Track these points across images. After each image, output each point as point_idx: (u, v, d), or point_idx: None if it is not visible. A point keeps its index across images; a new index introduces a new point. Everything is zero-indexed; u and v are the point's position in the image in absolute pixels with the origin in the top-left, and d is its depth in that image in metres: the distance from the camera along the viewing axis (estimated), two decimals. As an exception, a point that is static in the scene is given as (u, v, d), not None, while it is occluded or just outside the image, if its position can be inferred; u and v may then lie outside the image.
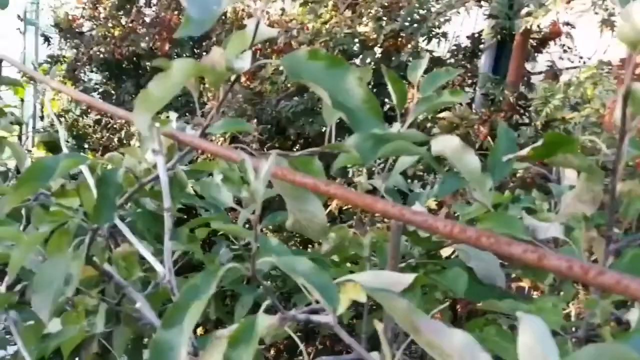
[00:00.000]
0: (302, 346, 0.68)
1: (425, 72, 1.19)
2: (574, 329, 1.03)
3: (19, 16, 3.94)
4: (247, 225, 1.16)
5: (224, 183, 0.56)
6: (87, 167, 0.96)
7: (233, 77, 0.85)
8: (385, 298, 0.62)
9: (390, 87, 1.15)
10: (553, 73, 2.63)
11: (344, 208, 2.43)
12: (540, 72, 2.91)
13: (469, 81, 2.61)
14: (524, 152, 0.94)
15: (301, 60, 0.81)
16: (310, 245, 2.16)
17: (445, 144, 1.04)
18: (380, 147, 0.95)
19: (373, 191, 1.35)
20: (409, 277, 0.77)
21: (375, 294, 0.63)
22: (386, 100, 2.57)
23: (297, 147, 2.99)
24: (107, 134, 3.41)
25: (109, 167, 1.00)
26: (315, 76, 0.80)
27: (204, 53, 3.09)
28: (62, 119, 3.62)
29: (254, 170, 0.60)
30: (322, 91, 0.77)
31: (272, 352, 2.36)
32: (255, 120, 2.31)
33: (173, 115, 1.00)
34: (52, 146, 1.51)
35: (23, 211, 1.17)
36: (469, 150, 1.03)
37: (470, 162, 1.02)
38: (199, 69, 0.79)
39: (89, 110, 3.59)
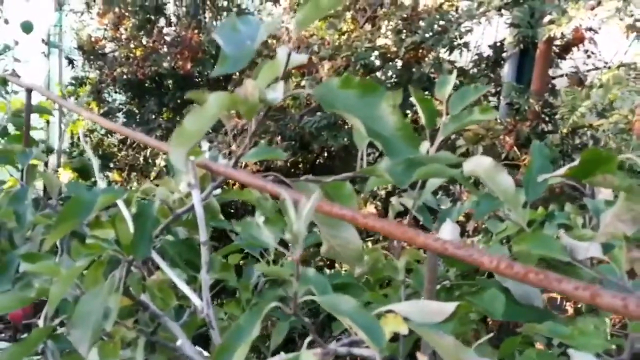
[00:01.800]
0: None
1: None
2: (614, 346, 1.01)
3: (43, 40, 4.00)
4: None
5: (265, 225, 0.56)
6: (122, 201, 0.97)
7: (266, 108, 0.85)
8: (430, 334, 0.61)
9: (417, 105, 1.14)
10: (578, 79, 2.60)
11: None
12: (562, 75, 2.88)
13: (493, 90, 2.59)
14: (561, 172, 0.92)
15: (334, 89, 0.81)
16: (338, 264, 2.15)
17: (478, 164, 1.02)
18: (414, 171, 0.95)
19: (404, 211, 1.34)
20: (450, 307, 0.76)
21: (419, 329, 0.62)
22: (408, 111, 2.57)
23: (320, 161, 2.99)
24: (133, 153, 3.44)
25: (143, 199, 1.00)
26: (348, 105, 0.80)
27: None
28: (88, 139, 3.66)
29: (295, 207, 0.59)
30: (357, 121, 0.77)
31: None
32: (279, 137, 2.31)
33: (205, 144, 1.01)
34: (82, 170, 1.52)
35: (57, 241, 1.18)
36: (502, 170, 1.02)
37: (504, 181, 1.01)
38: (233, 101, 0.79)
39: (113, 134, 3.63)
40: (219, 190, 1.22)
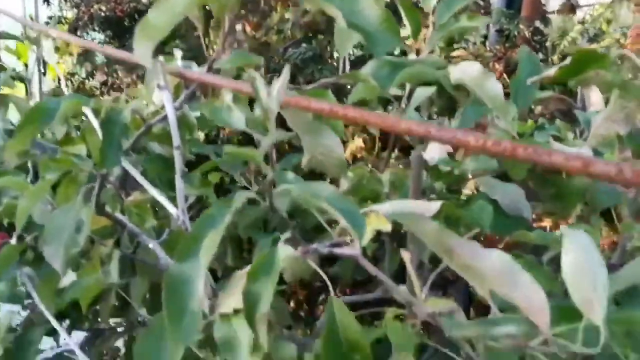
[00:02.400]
0: (329, 284, 0.64)
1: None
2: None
3: (16, -22, 3.85)
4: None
5: (235, 104, 0.52)
6: (91, 111, 0.92)
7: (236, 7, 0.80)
8: (414, 221, 0.58)
9: (403, 16, 1.08)
10: (569, 6, 2.53)
11: (359, 156, 2.38)
12: (554, 12, 2.81)
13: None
14: (551, 71, 0.88)
15: (314, -18, 0.75)
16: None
17: (465, 71, 0.98)
18: (398, 73, 0.90)
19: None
20: (435, 205, 0.73)
21: (403, 218, 0.59)
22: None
23: (307, 98, 2.92)
24: (114, 95, 3.36)
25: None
26: None
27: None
28: (69, 82, 3.57)
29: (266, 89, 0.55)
30: (338, 13, 0.71)
31: (292, 304, 2.34)
32: (262, 69, 2.24)
33: (177, 53, 0.95)
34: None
35: (30, 165, 1.14)
36: (490, 76, 0.97)
37: (492, 88, 0.96)
38: (201, -6, 0.74)
39: (95, 72, 3.53)
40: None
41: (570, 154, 0.50)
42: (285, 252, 0.59)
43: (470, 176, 1.11)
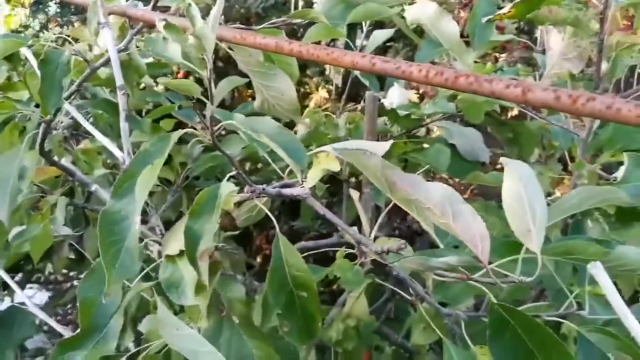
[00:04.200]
0: (276, 224, 0.63)
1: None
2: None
3: None
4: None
5: (168, 32, 0.49)
6: (31, 53, 0.88)
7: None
8: (357, 157, 0.56)
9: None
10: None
11: (323, 107, 2.36)
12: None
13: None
14: (505, 9, 0.86)
15: None
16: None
17: (421, 10, 0.96)
18: (350, 11, 0.88)
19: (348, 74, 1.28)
20: (385, 145, 0.72)
21: (346, 154, 0.58)
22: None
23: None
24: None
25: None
26: None
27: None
28: (22, 35, 3.44)
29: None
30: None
31: (258, 259, 2.34)
32: (222, 17, 2.18)
33: (122, -8, 0.91)
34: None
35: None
36: (446, 16, 0.96)
37: (448, 27, 0.95)
38: None
39: (49, 24, 3.41)
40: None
41: (510, 81, 0.49)
42: (227, 189, 0.57)
43: (428, 120, 1.11)
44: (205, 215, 0.56)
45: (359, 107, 1.20)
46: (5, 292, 1.27)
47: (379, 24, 1.21)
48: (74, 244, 1.15)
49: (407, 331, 1.21)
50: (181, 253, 0.62)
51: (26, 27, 3.39)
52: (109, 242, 0.51)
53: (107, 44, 0.75)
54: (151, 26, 0.88)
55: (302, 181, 0.58)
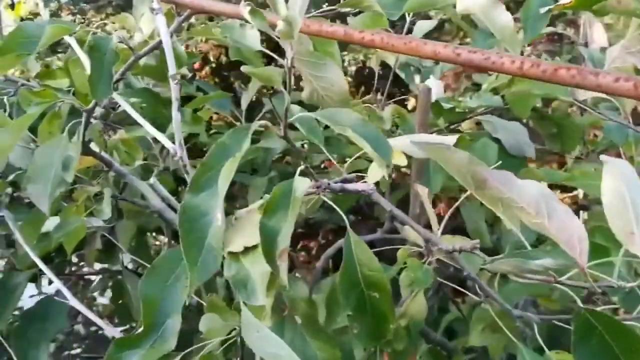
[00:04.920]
0: (346, 220, 0.61)
1: None
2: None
3: None
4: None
5: (253, 17, 0.46)
6: (75, 40, 0.85)
7: None
8: (440, 151, 0.54)
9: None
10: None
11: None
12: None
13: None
14: (566, 0, 0.84)
15: None
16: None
17: (474, 0, 0.93)
18: (404, 1, 0.85)
19: (387, 66, 1.25)
20: (451, 139, 0.69)
21: (427, 148, 0.55)
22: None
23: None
24: (84, 36, 3.21)
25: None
26: None
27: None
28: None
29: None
30: None
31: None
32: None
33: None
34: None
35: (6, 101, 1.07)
36: (500, 5, 0.93)
37: (501, 17, 0.92)
38: None
39: (60, 11, 3.37)
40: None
41: (619, 75, 0.46)
42: (302, 184, 0.55)
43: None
44: (280, 211, 0.54)
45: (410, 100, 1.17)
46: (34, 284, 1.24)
47: (422, 15, 1.18)
48: (106, 235, 1.12)
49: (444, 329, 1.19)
50: (245, 250, 0.60)
51: (36, 15, 3.35)
52: (191, 240, 0.49)
53: (160, 30, 0.72)
54: (199, 12, 0.86)
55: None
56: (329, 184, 0.64)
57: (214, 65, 2.51)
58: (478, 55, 0.53)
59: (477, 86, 1.52)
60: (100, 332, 2.42)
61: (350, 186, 0.66)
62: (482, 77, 1.20)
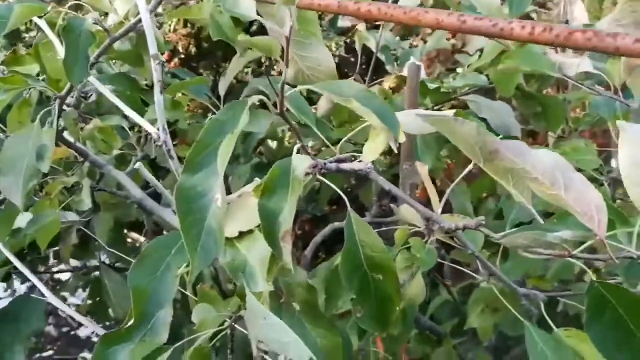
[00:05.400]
0: (345, 199, 0.58)
1: None
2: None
3: None
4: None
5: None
6: (45, 22, 0.80)
7: None
8: (448, 123, 0.51)
9: None
10: None
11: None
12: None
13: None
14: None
15: None
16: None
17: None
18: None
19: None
20: (448, 113, 0.67)
21: (434, 121, 0.52)
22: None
23: None
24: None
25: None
26: None
27: None
28: None
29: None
30: None
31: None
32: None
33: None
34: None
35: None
36: (485, -19, 0.91)
37: (488, -7, 0.90)
38: None
39: None
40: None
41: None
42: (302, 163, 0.52)
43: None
44: (279, 191, 0.51)
45: (385, 81, 1.14)
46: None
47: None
48: (82, 228, 1.07)
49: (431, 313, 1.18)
50: (241, 235, 0.57)
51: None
52: (189, 223, 0.45)
53: (139, 9, 0.68)
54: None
55: (396, 150, 0.52)
56: (325, 163, 0.61)
57: (182, 56, 2.46)
58: (485, 22, 0.51)
59: (451, 71, 1.51)
60: (72, 332, 2.36)
61: (346, 165, 0.63)
62: (463, 57, 1.18)
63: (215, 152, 0.46)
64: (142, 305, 0.57)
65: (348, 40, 2.34)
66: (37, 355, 2.27)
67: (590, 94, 0.91)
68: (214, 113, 1.08)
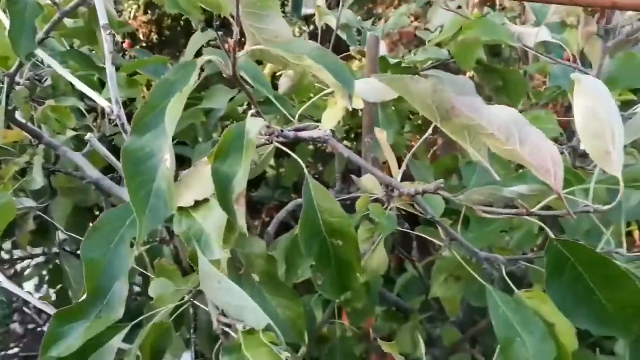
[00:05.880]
0: (300, 161, 0.57)
1: None
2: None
3: None
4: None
5: None
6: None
7: None
8: (404, 82, 0.50)
9: None
10: None
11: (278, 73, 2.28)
12: None
13: None
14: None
15: None
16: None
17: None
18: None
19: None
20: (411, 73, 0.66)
21: (390, 80, 0.51)
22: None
23: None
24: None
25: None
26: None
27: None
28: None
29: None
30: None
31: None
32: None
33: None
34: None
35: None
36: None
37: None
38: None
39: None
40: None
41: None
42: (256, 125, 0.50)
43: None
44: (233, 155, 0.49)
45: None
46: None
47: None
48: (41, 214, 1.04)
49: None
50: (197, 205, 0.55)
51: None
52: (138, 184, 0.44)
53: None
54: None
55: (351, 108, 0.51)
56: (282, 130, 0.60)
57: (144, 45, 2.42)
58: None
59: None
60: (38, 329, 2.31)
61: (305, 134, 0.62)
62: (425, 34, 1.18)
63: (164, 113, 0.44)
64: (96, 279, 0.56)
65: (312, 27, 2.33)
66: (2, 353, 2.21)
67: (550, 64, 0.92)
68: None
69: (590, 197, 0.48)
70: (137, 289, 1.10)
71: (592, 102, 0.46)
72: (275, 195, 1.97)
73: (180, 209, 0.56)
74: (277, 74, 1.18)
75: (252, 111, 0.56)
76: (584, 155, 0.97)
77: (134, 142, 0.45)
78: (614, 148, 0.45)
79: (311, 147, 1.43)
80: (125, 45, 2.33)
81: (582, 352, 0.76)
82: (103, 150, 0.68)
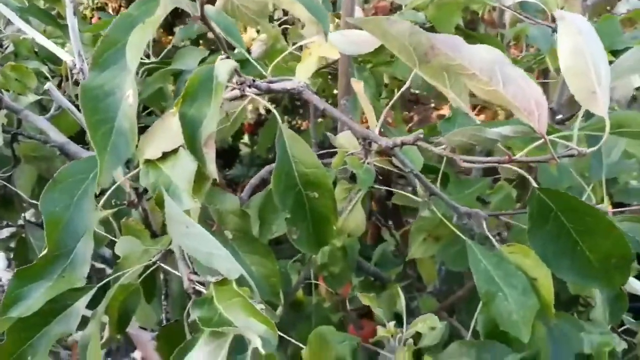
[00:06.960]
0: (275, 111, 0.54)
1: None
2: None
3: None
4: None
5: None
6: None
7: None
8: (379, 24, 0.48)
9: None
10: None
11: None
12: None
13: None
14: None
15: None
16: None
17: None
18: None
19: None
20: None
21: (365, 23, 0.49)
22: None
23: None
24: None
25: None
26: None
27: None
28: None
29: None
30: None
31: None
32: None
33: None
34: None
35: None
36: None
37: None
38: None
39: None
40: None
41: None
42: (225, 67, 0.48)
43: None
44: (201, 98, 0.47)
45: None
46: None
47: None
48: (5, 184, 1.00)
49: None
50: (164, 156, 0.52)
51: None
52: (95, 122, 0.41)
53: None
54: None
55: (328, 43, 0.49)
56: (253, 80, 0.57)
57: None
58: None
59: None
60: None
61: (277, 85, 0.59)
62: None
63: (124, 48, 0.41)
64: (57, 235, 0.53)
65: None
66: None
67: (528, 26, 0.90)
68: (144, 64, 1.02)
69: (574, 140, 0.46)
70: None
71: (578, 40, 0.44)
72: (249, 173, 1.94)
73: (147, 161, 0.53)
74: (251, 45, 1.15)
75: (223, 56, 0.53)
76: (561, 123, 0.96)
77: (93, 79, 0.42)
78: (599, 86, 0.44)
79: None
80: (93, 21, 2.26)
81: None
82: (64, 101, 0.64)
